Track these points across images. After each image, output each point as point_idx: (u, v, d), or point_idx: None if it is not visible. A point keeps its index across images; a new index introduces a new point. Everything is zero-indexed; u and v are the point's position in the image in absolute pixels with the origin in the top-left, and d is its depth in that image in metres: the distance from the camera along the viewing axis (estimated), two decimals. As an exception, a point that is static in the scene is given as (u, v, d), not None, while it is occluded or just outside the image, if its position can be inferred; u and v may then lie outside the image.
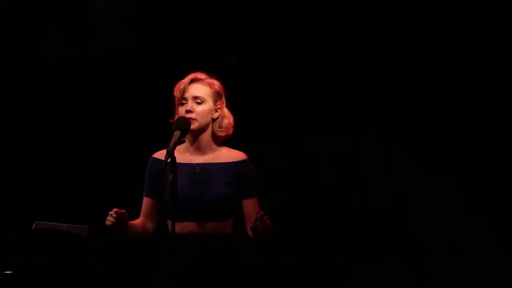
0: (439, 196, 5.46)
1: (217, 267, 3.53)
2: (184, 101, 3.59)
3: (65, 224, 4.58)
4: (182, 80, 3.63)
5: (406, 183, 5.51)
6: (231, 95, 3.73)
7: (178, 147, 3.49)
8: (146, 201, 3.60)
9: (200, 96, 3.59)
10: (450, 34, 5.41)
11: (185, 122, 3.49)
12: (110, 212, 3.39)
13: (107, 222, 3.38)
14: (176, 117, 3.59)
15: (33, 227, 4.52)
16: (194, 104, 3.58)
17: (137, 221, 3.60)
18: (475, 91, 5.37)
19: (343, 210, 5.61)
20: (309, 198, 5.68)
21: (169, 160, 3.29)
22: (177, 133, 3.40)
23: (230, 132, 3.67)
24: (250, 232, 3.49)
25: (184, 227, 3.51)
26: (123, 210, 3.41)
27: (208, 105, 3.60)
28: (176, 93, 3.62)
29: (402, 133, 5.53)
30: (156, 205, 3.61)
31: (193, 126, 3.55)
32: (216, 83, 3.65)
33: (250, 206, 3.62)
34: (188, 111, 3.56)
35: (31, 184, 5.83)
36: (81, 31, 5.81)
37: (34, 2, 5.82)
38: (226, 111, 3.66)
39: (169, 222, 3.41)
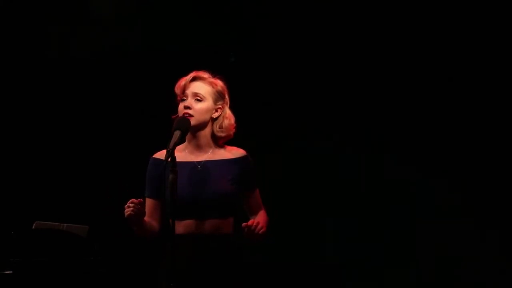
0: (438, 196, 5.46)
1: (218, 267, 3.52)
2: (184, 98, 3.59)
3: (65, 224, 4.58)
4: (184, 77, 3.63)
5: (404, 183, 5.51)
6: (231, 95, 3.72)
7: (177, 147, 3.49)
8: (148, 202, 3.59)
9: (200, 93, 3.59)
10: (450, 35, 5.41)
11: (185, 122, 3.49)
12: (128, 203, 3.37)
13: (127, 213, 3.36)
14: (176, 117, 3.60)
15: (33, 227, 4.52)
16: (193, 101, 3.58)
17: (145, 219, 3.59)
18: (474, 92, 5.38)
19: (343, 210, 5.61)
20: (309, 198, 5.68)
21: (169, 160, 3.29)
22: (177, 133, 3.40)
23: (231, 133, 3.66)
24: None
25: (185, 225, 3.51)
26: (140, 199, 3.40)
27: (208, 103, 3.60)
28: (177, 89, 3.62)
29: (401, 134, 5.53)
30: (159, 205, 3.60)
31: (190, 122, 3.54)
32: (219, 83, 3.65)
33: (252, 199, 3.67)
34: (186, 107, 3.56)
35: (31, 184, 5.83)
36: (81, 31, 5.81)
37: (34, 2, 5.82)
38: (228, 112, 3.66)
39: (170, 222, 3.41)
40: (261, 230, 3.43)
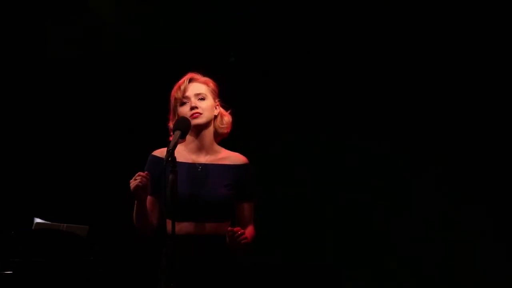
0: (437, 196, 5.47)
1: (216, 268, 3.52)
2: (185, 100, 3.59)
3: (65, 224, 4.58)
4: (180, 81, 3.64)
5: (403, 184, 5.52)
6: (231, 95, 3.73)
7: (179, 145, 3.50)
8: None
9: (201, 92, 3.61)
10: (447, 36, 5.41)
11: (186, 122, 3.49)
12: (134, 177, 3.37)
13: (133, 185, 3.36)
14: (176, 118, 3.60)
15: (33, 227, 4.52)
16: (198, 100, 3.59)
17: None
18: (472, 92, 5.38)
19: (342, 210, 5.61)
20: (310, 198, 5.68)
21: (169, 160, 3.29)
22: (177, 133, 3.40)
23: (229, 129, 3.68)
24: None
25: (183, 227, 3.51)
26: (147, 172, 3.40)
27: (210, 101, 3.62)
28: (177, 93, 3.61)
29: (401, 135, 5.54)
30: (156, 202, 3.59)
31: (200, 120, 3.55)
32: (211, 82, 3.68)
33: (244, 210, 3.63)
34: (193, 107, 3.57)
35: (31, 183, 5.83)
36: (81, 31, 5.81)
37: (34, 3, 5.82)
38: (222, 109, 3.69)
39: (169, 222, 3.40)
40: (244, 240, 3.40)
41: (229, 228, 3.41)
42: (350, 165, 5.61)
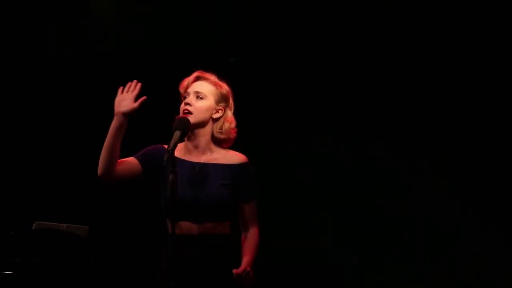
0: (436, 192, 5.47)
1: (215, 267, 3.52)
2: (186, 96, 3.60)
3: (65, 224, 4.58)
4: (188, 77, 3.65)
5: (404, 185, 5.52)
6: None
7: (178, 144, 3.50)
8: (130, 158, 3.58)
9: (201, 92, 3.59)
10: (446, 37, 5.42)
11: (185, 122, 3.48)
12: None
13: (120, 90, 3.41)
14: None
15: (33, 227, 4.52)
16: (194, 98, 3.58)
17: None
18: (471, 92, 5.38)
19: (342, 210, 5.61)
20: (310, 197, 5.68)
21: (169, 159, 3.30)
22: (177, 133, 3.40)
23: (231, 137, 3.63)
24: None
25: (182, 226, 3.51)
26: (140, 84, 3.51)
27: (209, 102, 3.59)
28: (181, 88, 3.63)
29: (401, 135, 5.54)
30: (132, 168, 3.56)
31: (189, 119, 3.53)
32: (224, 86, 3.64)
33: (246, 210, 3.62)
34: (186, 104, 3.57)
35: (31, 184, 5.83)
36: (81, 31, 5.81)
37: (34, 3, 5.82)
38: (230, 115, 3.64)
39: (169, 222, 3.41)
40: (251, 280, 3.44)
41: (235, 271, 3.42)
42: (350, 165, 5.61)
